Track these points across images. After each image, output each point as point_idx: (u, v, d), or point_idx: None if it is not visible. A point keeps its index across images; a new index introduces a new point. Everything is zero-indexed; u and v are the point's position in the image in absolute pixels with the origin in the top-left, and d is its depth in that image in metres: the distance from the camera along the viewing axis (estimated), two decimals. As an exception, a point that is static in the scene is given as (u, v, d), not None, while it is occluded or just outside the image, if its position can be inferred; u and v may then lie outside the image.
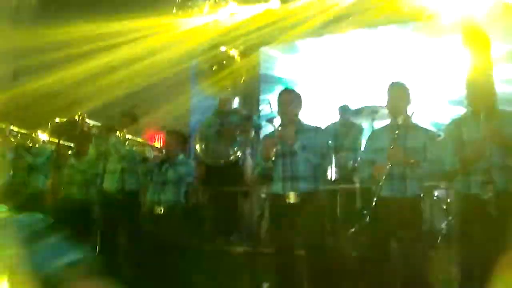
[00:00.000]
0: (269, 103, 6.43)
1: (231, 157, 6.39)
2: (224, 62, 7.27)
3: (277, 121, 4.64)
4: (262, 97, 8.43)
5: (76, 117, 5.70)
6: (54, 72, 10.14)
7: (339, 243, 5.40)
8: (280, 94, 4.73)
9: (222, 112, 6.73)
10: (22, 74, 9.98)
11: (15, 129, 6.80)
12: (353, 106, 6.73)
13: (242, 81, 7.24)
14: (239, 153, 6.40)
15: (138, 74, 9.39)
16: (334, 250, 5.05)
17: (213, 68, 7.29)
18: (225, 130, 6.53)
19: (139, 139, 5.86)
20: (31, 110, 9.53)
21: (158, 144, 6.94)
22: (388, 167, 4.02)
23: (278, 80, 8.50)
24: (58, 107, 10.44)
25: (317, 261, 4.36)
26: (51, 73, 9.90)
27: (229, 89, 7.09)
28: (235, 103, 7.22)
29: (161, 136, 7.34)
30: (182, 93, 8.90)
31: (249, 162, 6.44)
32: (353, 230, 5.42)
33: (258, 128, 6.63)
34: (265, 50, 8.63)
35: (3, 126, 6.68)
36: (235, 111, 6.93)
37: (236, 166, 6.49)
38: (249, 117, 6.70)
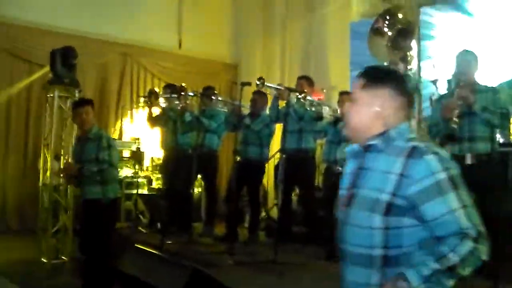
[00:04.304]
0: (433, 66, 6.38)
1: None
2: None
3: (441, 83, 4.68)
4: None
5: (256, 81, 5.83)
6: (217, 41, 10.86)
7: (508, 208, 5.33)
8: (459, 55, 4.78)
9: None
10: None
11: (191, 92, 6.93)
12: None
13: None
14: None
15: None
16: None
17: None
18: None
19: (315, 99, 6.04)
20: (196, 74, 10.28)
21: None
22: None
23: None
24: (221, 71, 11.17)
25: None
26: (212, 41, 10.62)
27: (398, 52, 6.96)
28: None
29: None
30: (342, 51, 9.08)
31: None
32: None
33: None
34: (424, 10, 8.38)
35: (182, 88, 6.79)
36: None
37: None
38: None
